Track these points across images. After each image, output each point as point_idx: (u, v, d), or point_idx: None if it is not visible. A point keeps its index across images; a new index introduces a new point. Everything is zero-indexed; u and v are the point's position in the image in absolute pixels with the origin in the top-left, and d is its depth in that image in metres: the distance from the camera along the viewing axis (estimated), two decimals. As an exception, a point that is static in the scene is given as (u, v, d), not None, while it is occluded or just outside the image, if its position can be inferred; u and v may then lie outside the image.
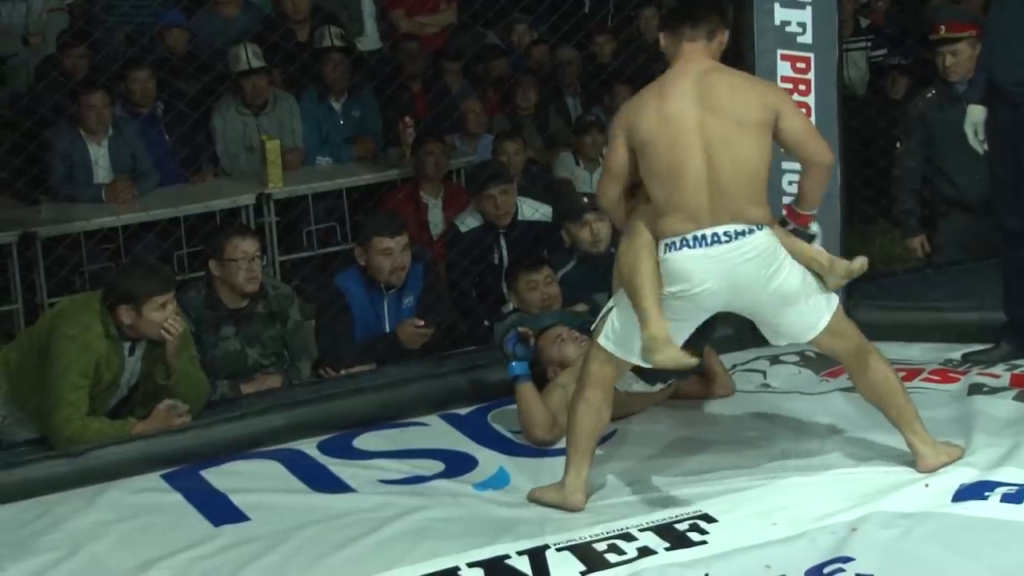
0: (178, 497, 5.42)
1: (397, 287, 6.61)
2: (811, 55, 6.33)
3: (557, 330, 5.94)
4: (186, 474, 5.58)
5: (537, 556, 4.77)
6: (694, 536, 4.85)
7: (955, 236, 7.38)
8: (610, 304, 5.15)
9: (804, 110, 6.32)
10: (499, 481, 5.43)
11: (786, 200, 5.48)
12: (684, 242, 4.94)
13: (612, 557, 4.76)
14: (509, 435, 5.81)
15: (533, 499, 5.21)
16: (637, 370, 5.41)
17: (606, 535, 4.88)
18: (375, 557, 4.87)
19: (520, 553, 4.79)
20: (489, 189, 7.32)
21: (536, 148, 9.04)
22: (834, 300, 5.11)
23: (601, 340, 5.10)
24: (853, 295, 6.38)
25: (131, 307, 5.63)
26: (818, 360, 6.05)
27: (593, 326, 5.21)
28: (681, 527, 4.91)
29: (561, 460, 5.25)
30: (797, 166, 6.18)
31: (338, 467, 5.59)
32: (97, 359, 5.63)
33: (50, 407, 5.61)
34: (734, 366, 6.18)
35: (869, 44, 10.04)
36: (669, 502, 5.10)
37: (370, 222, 6.71)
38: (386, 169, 8.65)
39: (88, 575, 4.94)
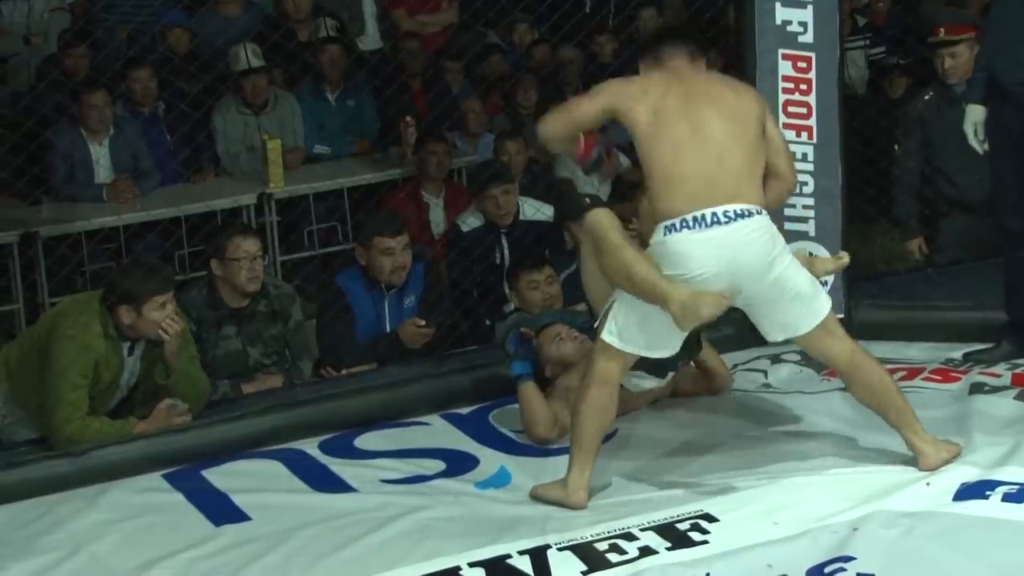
0: (179, 497, 5.42)
1: (398, 287, 6.61)
2: (812, 54, 6.33)
3: (556, 328, 5.94)
4: (187, 474, 5.58)
5: (538, 556, 4.77)
6: (695, 536, 4.85)
7: (956, 236, 7.39)
8: (611, 300, 5.14)
9: (805, 109, 6.35)
10: (500, 480, 5.43)
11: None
12: (684, 223, 4.90)
13: (613, 557, 4.76)
14: (510, 435, 5.81)
15: (535, 496, 5.21)
16: (645, 366, 5.41)
17: (607, 535, 4.88)
18: (376, 557, 4.87)
19: (521, 553, 4.79)
20: (491, 189, 7.32)
21: (537, 148, 9.04)
22: (827, 301, 5.10)
23: (605, 336, 5.09)
24: (854, 295, 6.39)
25: (131, 307, 5.63)
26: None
27: (596, 323, 5.21)
28: (682, 526, 4.91)
29: (563, 459, 5.25)
30: (799, 166, 6.23)
31: (339, 467, 5.60)
32: (96, 359, 5.63)
33: (50, 407, 5.61)
34: (735, 366, 6.18)
35: (867, 43, 10.03)
36: (670, 501, 5.09)
37: (371, 222, 6.70)
38: (387, 168, 8.65)
39: (89, 575, 4.94)
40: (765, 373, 6.12)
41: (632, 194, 7.86)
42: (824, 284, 5.36)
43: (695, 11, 9.85)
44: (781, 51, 6.33)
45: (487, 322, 6.96)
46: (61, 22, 9.81)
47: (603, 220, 5.13)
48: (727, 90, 5.12)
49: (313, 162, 8.88)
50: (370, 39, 9.94)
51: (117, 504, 5.38)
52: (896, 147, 7.76)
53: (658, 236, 4.97)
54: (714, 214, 4.90)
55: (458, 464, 5.57)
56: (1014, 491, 4.90)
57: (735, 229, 4.90)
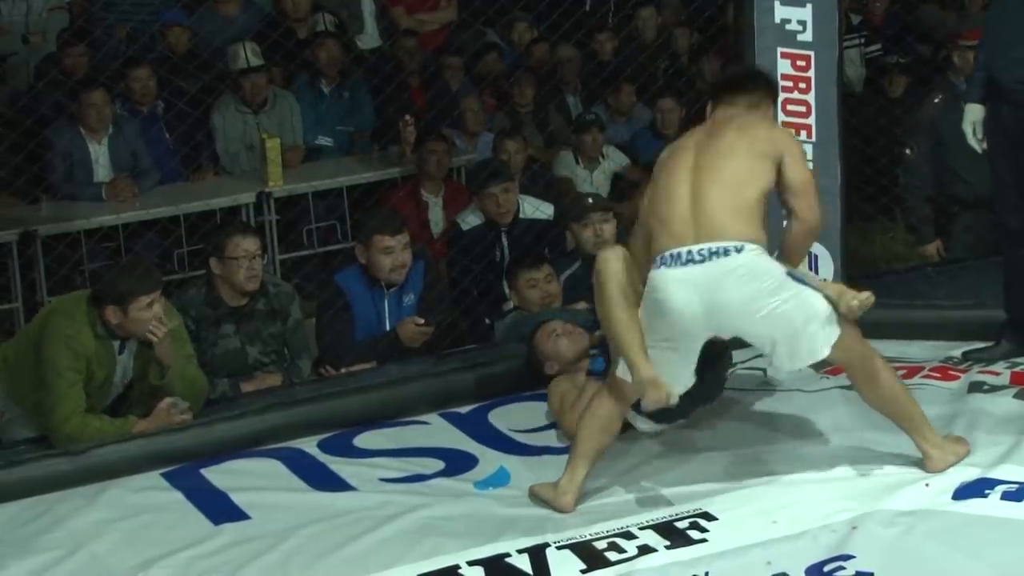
0: (178, 496, 5.42)
1: (398, 285, 6.61)
2: (811, 53, 6.33)
3: (552, 325, 5.92)
4: (186, 473, 5.58)
5: (537, 554, 4.77)
6: (694, 534, 4.86)
7: (970, 234, 7.39)
8: None
9: (804, 108, 6.34)
10: (499, 479, 5.43)
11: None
12: (663, 260, 4.95)
13: (612, 555, 4.76)
14: (510, 434, 5.81)
15: (531, 495, 5.22)
16: (655, 412, 5.39)
17: (606, 533, 4.88)
18: (375, 555, 4.87)
19: (520, 551, 4.79)
20: (491, 187, 7.32)
21: (536, 147, 9.05)
22: (836, 330, 5.00)
23: (619, 372, 5.08)
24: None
25: (117, 307, 5.63)
26: (818, 358, 6.04)
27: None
28: (681, 525, 4.91)
29: (561, 460, 5.25)
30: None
31: (338, 465, 5.60)
32: (88, 357, 5.64)
33: (48, 407, 5.62)
34: (734, 364, 6.17)
35: (863, 41, 10.04)
36: (669, 500, 5.10)
37: (371, 220, 6.70)
38: (386, 167, 8.65)
39: (89, 574, 4.94)
40: (764, 372, 6.11)
41: (631, 193, 7.87)
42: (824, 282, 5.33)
43: (694, 10, 9.89)
44: (780, 49, 6.33)
45: (487, 321, 6.96)
46: (60, 21, 9.80)
47: (609, 265, 5.11)
48: (747, 125, 5.10)
49: (315, 156, 8.88)
50: (369, 37, 9.94)
51: (116, 503, 5.38)
52: (908, 152, 7.76)
53: (649, 275, 5.03)
54: (688, 252, 4.91)
55: (457, 463, 5.57)
56: (1013, 490, 4.91)
57: (709, 268, 4.89)
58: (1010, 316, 6.09)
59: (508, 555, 4.78)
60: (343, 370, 6.41)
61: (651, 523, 4.93)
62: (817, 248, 6.35)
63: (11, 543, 5.13)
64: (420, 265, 6.70)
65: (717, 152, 5.02)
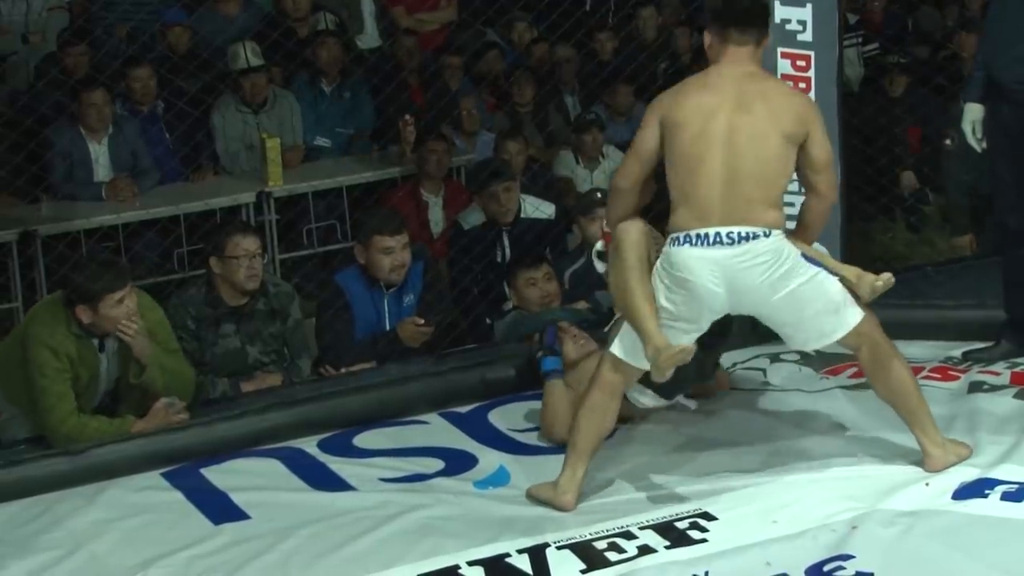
0: (178, 495, 5.41)
1: (397, 285, 6.61)
2: (811, 53, 6.33)
3: (561, 324, 5.92)
4: (186, 472, 5.58)
5: (537, 554, 4.77)
6: (694, 534, 4.85)
7: None
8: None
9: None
10: (499, 479, 5.43)
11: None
12: (687, 238, 4.94)
13: (612, 555, 4.76)
14: (509, 433, 5.81)
15: (530, 496, 5.22)
16: (655, 385, 5.40)
17: (606, 533, 4.88)
18: (375, 555, 4.87)
19: (520, 551, 4.79)
20: (492, 186, 7.33)
21: (536, 146, 9.05)
22: (853, 315, 5.05)
23: (613, 347, 5.10)
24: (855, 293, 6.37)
25: (87, 305, 5.62)
26: (818, 358, 6.04)
27: (606, 329, 5.19)
28: (681, 525, 4.91)
29: (561, 459, 5.25)
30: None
31: (338, 465, 5.59)
32: (69, 357, 5.63)
33: (43, 409, 5.63)
34: (734, 364, 6.18)
35: (860, 40, 10.05)
36: (669, 500, 5.09)
37: (370, 220, 6.70)
38: (387, 167, 8.65)
39: (88, 573, 4.94)
40: (764, 372, 6.11)
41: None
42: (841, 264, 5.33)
43: (694, 10, 9.89)
44: (780, 49, 6.33)
45: (487, 320, 6.96)
46: (60, 21, 9.81)
47: (630, 235, 5.08)
48: (774, 96, 5.04)
49: (315, 156, 8.89)
50: (369, 37, 9.94)
51: (116, 502, 5.38)
52: (948, 142, 7.73)
53: (666, 247, 5.01)
54: (717, 234, 4.92)
55: (457, 463, 5.57)
56: (1013, 490, 4.91)
57: (736, 252, 4.91)
58: (1010, 316, 6.09)
59: (508, 555, 4.78)
60: (343, 370, 6.41)
61: (651, 523, 4.93)
62: (817, 248, 6.35)
63: (11, 543, 5.13)
64: (420, 265, 6.70)
65: (752, 137, 4.93)
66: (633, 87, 9.26)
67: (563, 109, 9.57)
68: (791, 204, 6.11)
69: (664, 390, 5.48)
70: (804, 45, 6.32)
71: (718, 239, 4.91)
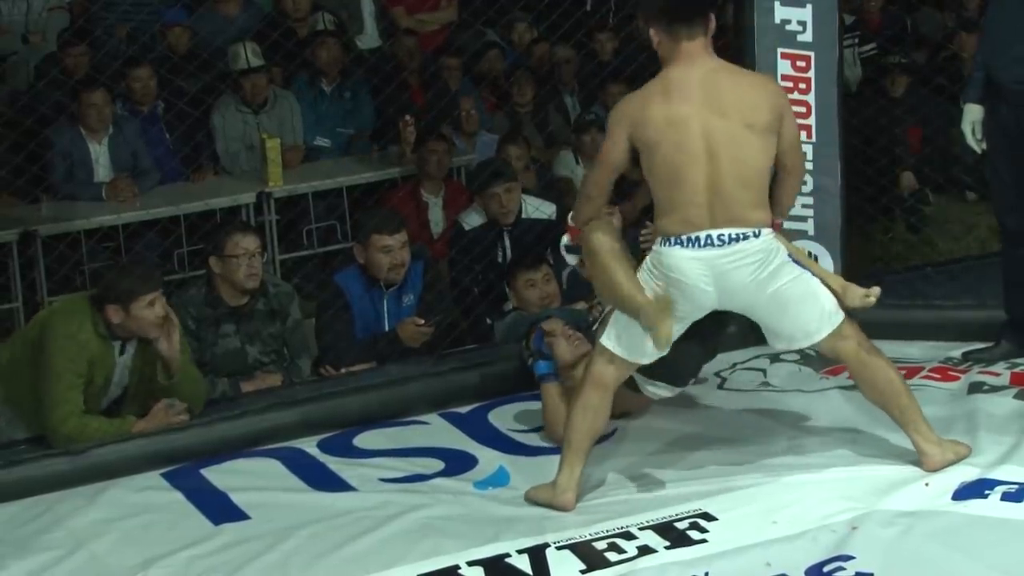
0: (178, 496, 5.42)
1: (397, 285, 6.61)
2: (811, 53, 6.33)
3: (551, 324, 5.93)
4: (186, 473, 5.58)
5: (537, 555, 4.77)
6: (694, 534, 4.85)
7: None
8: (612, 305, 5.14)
9: (804, 108, 6.34)
10: (499, 480, 5.43)
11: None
12: (678, 240, 4.96)
13: (612, 556, 4.76)
14: (509, 434, 5.81)
15: (528, 499, 5.21)
16: (665, 376, 5.41)
17: (606, 534, 4.88)
18: (375, 556, 4.87)
19: (520, 552, 4.79)
20: (493, 187, 7.33)
21: (536, 147, 9.04)
22: (837, 315, 5.08)
23: (604, 340, 5.10)
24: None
25: (119, 306, 5.63)
26: (818, 358, 6.04)
27: (595, 326, 5.20)
28: (681, 525, 4.91)
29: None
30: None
31: (338, 466, 5.60)
32: (90, 358, 5.64)
33: (46, 408, 5.62)
34: (734, 364, 6.18)
35: (857, 41, 10.05)
36: (669, 500, 5.09)
37: (369, 220, 6.70)
38: (386, 167, 8.65)
39: (88, 573, 4.94)
40: (764, 372, 6.12)
41: (632, 192, 7.87)
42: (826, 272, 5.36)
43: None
44: (780, 50, 6.33)
45: (487, 321, 6.96)
46: (60, 21, 9.80)
47: (598, 233, 5.11)
48: (744, 93, 5.00)
49: (315, 156, 8.89)
50: (369, 38, 9.94)
51: (116, 503, 5.38)
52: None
53: (656, 246, 5.03)
54: (708, 236, 4.94)
55: (457, 463, 5.57)
56: (1013, 490, 4.91)
57: (726, 253, 4.93)
58: (1010, 316, 6.09)
59: (508, 555, 4.78)
60: (343, 370, 6.41)
61: (651, 523, 4.92)
62: (817, 248, 6.36)
63: (11, 543, 5.13)
64: (419, 265, 6.70)
65: (730, 141, 4.92)
66: (628, 86, 9.24)
67: (563, 109, 9.57)
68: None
69: (674, 378, 5.49)
70: (804, 46, 6.32)
71: (709, 241, 4.93)
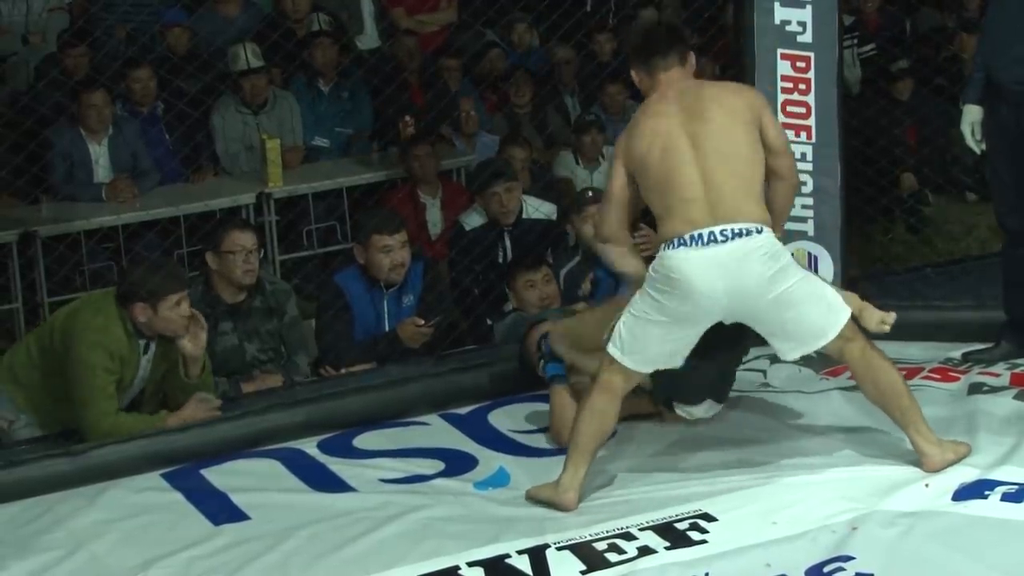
0: (178, 496, 5.42)
1: (397, 285, 6.61)
2: (811, 54, 6.33)
3: (546, 325, 5.93)
4: (186, 473, 5.58)
5: (537, 555, 4.77)
6: (694, 535, 4.85)
7: None
8: (619, 314, 5.13)
9: (804, 109, 6.34)
10: (499, 480, 5.43)
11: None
12: (682, 242, 4.96)
13: (612, 556, 4.76)
14: (509, 434, 5.81)
15: (530, 498, 5.21)
16: (711, 394, 5.47)
17: (606, 534, 4.88)
18: (375, 556, 4.87)
19: (520, 552, 4.79)
20: (494, 187, 7.33)
21: (536, 147, 9.05)
22: (843, 313, 5.10)
23: (610, 348, 5.10)
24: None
25: (147, 305, 5.66)
26: (818, 359, 6.02)
27: (605, 337, 5.18)
28: (681, 526, 4.91)
29: (561, 460, 5.25)
30: (798, 166, 6.24)
31: (338, 466, 5.60)
32: (120, 356, 5.66)
33: (79, 406, 5.64)
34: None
35: (856, 41, 10.05)
36: (669, 501, 5.09)
37: (369, 220, 6.70)
38: (386, 168, 8.66)
39: (89, 574, 4.94)
40: (764, 373, 6.11)
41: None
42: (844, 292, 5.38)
43: (693, 11, 9.88)
44: (780, 51, 6.33)
45: (487, 321, 6.96)
46: (60, 22, 9.81)
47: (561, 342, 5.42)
48: (722, 97, 5.15)
49: (315, 157, 8.89)
50: (368, 38, 9.94)
51: (116, 503, 5.38)
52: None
53: (659, 254, 5.04)
54: (711, 233, 4.95)
55: (457, 464, 5.57)
56: (1013, 491, 4.91)
57: (734, 248, 4.94)
58: (1010, 317, 6.10)
59: (508, 556, 4.78)
60: (343, 371, 6.41)
61: (651, 524, 4.93)
62: (817, 249, 6.36)
63: (11, 543, 5.13)
64: (420, 266, 6.71)
65: (714, 134, 5.02)
66: (625, 85, 9.24)
67: (563, 110, 9.57)
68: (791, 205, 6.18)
69: (716, 394, 5.56)
70: (804, 46, 6.32)
71: (712, 238, 4.94)
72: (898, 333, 6.26)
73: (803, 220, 6.37)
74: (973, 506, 4.87)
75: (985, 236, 8.15)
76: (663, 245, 5.01)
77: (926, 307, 6.57)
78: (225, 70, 8.89)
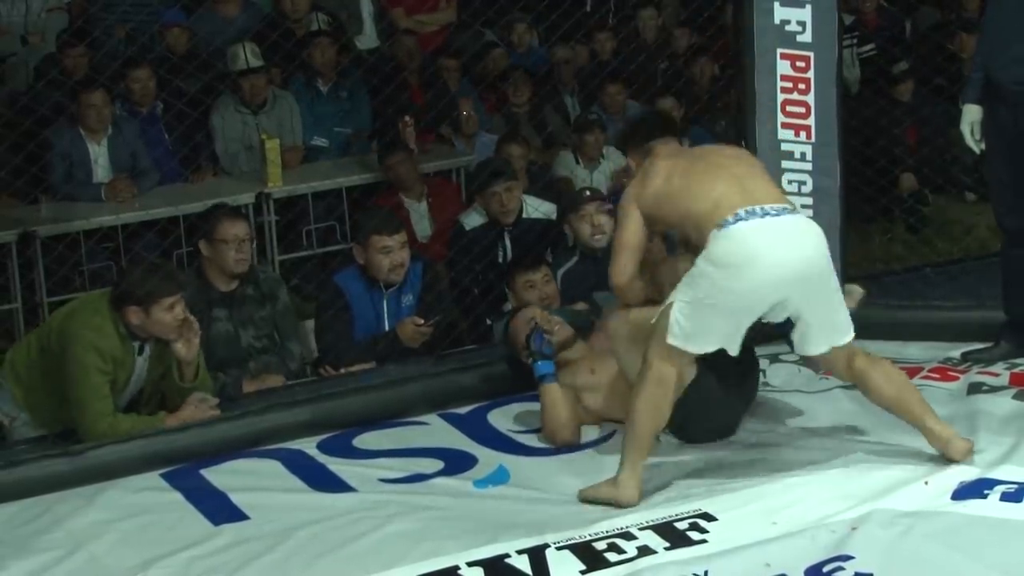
0: (178, 496, 5.42)
1: (396, 285, 6.61)
2: (811, 54, 6.33)
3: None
4: (186, 473, 5.58)
5: (537, 555, 4.77)
6: (694, 535, 4.85)
7: None
8: (669, 300, 5.08)
9: (804, 109, 6.35)
10: (499, 480, 5.43)
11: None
12: (737, 216, 4.95)
13: (612, 556, 4.75)
14: (509, 434, 5.81)
15: (585, 498, 5.16)
16: (685, 438, 5.52)
17: (606, 534, 4.88)
18: (375, 556, 4.87)
19: (520, 552, 4.79)
20: (494, 186, 7.33)
21: (535, 147, 9.05)
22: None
23: (669, 339, 5.04)
24: (854, 294, 6.38)
25: (140, 308, 5.65)
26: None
27: (652, 321, 5.13)
28: (681, 526, 4.91)
29: (560, 460, 5.26)
30: (797, 165, 6.27)
31: (338, 466, 5.59)
32: (114, 358, 5.66)
33: (76, 407, 5.64)
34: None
35: (855, 41, 10.06)
36: (669, 501, 5.10)
37: (368, 220, 6.71)
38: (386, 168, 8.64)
39: (88, 574, 4.94)
40: (764, 373, 6.10)
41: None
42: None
43: (693, 11, 9.90)
44: (779, 50, 6.33)
45: (487, 321, 6.96)
46: (59, 21, 9.81)
47: (618, 328, 5.41)
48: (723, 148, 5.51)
49: (314, 157, 8.89)
50: (368, 38, 9.94)
51: (115, 503, 5.38)
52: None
53: (710, 239, 4.98)
54: (762, 208, 4.98)
55: (456, 463, 5.57)
56: (1012, 490, 4.91)
57: (791, 220, 5.01)
58: (1009, 317, 6.10)
59: (508, 556, 4.78)
60: (343, 370, 6.41)
61: (651, 523, 4.92)
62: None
63: (10, 543, 5.13)
64: (419, 266, 6.71)
65: (729, 155, 5.26)
66: (624, 85, 9.25)
67: (562, 110, 9.57)
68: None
69: (725, 432, 5.60)
70: (803, 46, 6.32)
71: (765, 212, 4.97)
72: (897, 333, 6.29)
73: (802, 220, 6.37)
74: (972, 506, 4.87)
75: (984, 236, 8.15)
76: (713, 231, 4.95)
77: (926, 307, 6.58)
78: (224, 70, 8.88)
